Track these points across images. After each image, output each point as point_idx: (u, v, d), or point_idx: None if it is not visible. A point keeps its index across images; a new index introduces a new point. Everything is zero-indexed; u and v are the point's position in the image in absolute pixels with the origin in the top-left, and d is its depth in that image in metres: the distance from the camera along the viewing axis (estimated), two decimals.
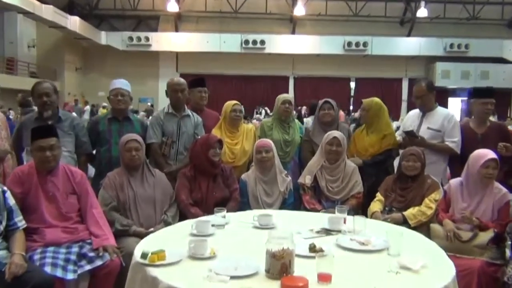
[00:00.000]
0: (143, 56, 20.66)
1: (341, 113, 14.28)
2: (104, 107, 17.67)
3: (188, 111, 3.92)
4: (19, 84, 16.71)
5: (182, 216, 3.22)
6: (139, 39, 20.04)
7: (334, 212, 2.81)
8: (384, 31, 20.52)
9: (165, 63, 21.49)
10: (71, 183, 2.84)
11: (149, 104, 19.60)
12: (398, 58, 20.84)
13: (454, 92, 21.54)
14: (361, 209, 3.58)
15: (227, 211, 2.84)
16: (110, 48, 20.32)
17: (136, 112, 16.68)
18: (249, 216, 2.83)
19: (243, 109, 4.13)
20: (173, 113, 3.85)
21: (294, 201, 3.62)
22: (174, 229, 2.72)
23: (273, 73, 21.18)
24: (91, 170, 3.93)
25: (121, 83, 3.79)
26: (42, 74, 19.32)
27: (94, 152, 3.79)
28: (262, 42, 19.97)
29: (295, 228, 2.52)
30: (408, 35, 21.01)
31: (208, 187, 3.38)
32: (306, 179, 3.60)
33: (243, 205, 3.46)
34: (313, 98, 17.29)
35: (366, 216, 3.13)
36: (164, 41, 20.43)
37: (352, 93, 22.27)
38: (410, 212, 3.23)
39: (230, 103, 4.07)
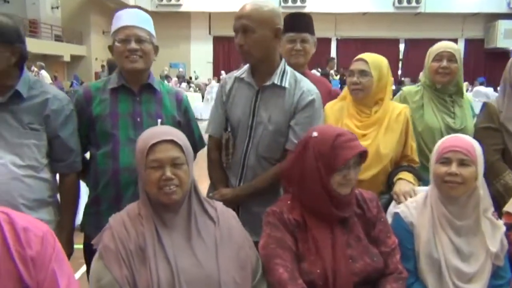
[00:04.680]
0: (174, 17, 19.36)
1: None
2: None
3: (285, 75, 1.98)
4: (43, 48, 15.73)
5: None
6: None
7: None
8: None
9: (197, 25, 20.25)
10: (11, 263, 1.17)
11: (180, 70, 18.30)
12: (454, 16, 18.99)
13: None
14: None
15: None
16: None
17: (167, 78, 15.39)
18: None
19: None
20: (249, 83, 2.01)
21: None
22: None
23: None
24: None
25: (135, 16, 1.98)
26: (67, 37, 18.33)
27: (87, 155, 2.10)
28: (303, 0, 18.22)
29: None
30: None
31: (336, 249, 1.57)
32: None
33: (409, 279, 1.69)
34: None
35: None
36: (196, 0, 18.91)
37: (401, 56, 20.52)
38: None
39: None
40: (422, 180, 2.07)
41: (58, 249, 1.25)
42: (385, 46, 19.74)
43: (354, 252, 1.57)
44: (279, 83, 1.95)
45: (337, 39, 20.10)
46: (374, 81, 2.09)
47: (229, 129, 2.00)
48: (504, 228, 1.75)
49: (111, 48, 1.99)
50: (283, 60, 2.02)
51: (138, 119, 1.95)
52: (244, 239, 1.56)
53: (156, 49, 2.01)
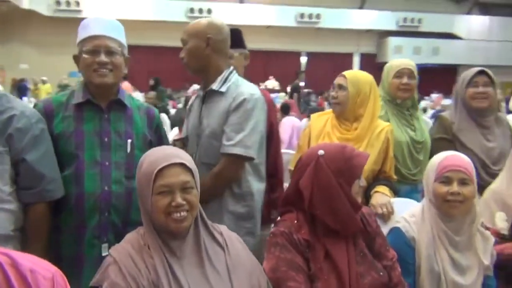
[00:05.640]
0: (73, 24, 17.69)
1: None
2: (44, 82, 15.36)
3: (227, 82, 2.03)
4: None
5: None
6: (68, 3, 17.71)
7: None
8: (338, 2, 19.63)
9: None
10: None
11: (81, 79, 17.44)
12: (350, 32, 20.11)
13: None
14: None
15: None
16: (33, 14, 17.70)
17: (66, 87, 14.53)
18: None
19: None
20: (199, 95, 2.18)
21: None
22: None
23: None
24: None
25: (105, 25, 1.82)
26: None
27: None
28: (209, 11, 18.36)
29: None
30: (361, 7, 20.24)
31: (350, 266, 1.55)
32: (498, 218, 1.97)
33: None
34: (262, 74, 16.55)
35: None
36: (97, 6, 18.02)
37: (303, 68, 21.32)
38: None
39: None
40: (397, 194, 2.19)
41: None
42: (287, 58, 20.49)
43: (361, 268, 1.57)
44: (217, 89, 1.98)
45: None
46: (351, 96, 2.17)
47: (176, 138, 2.03)
48: (493, 240, 1.84)
49: (76, 58, 1.82)
50: (231, 69, 2.05)
51: (106, 139, 1.80)
52: (253, 264, 1.52)
53: (127, 60, 1.88)
